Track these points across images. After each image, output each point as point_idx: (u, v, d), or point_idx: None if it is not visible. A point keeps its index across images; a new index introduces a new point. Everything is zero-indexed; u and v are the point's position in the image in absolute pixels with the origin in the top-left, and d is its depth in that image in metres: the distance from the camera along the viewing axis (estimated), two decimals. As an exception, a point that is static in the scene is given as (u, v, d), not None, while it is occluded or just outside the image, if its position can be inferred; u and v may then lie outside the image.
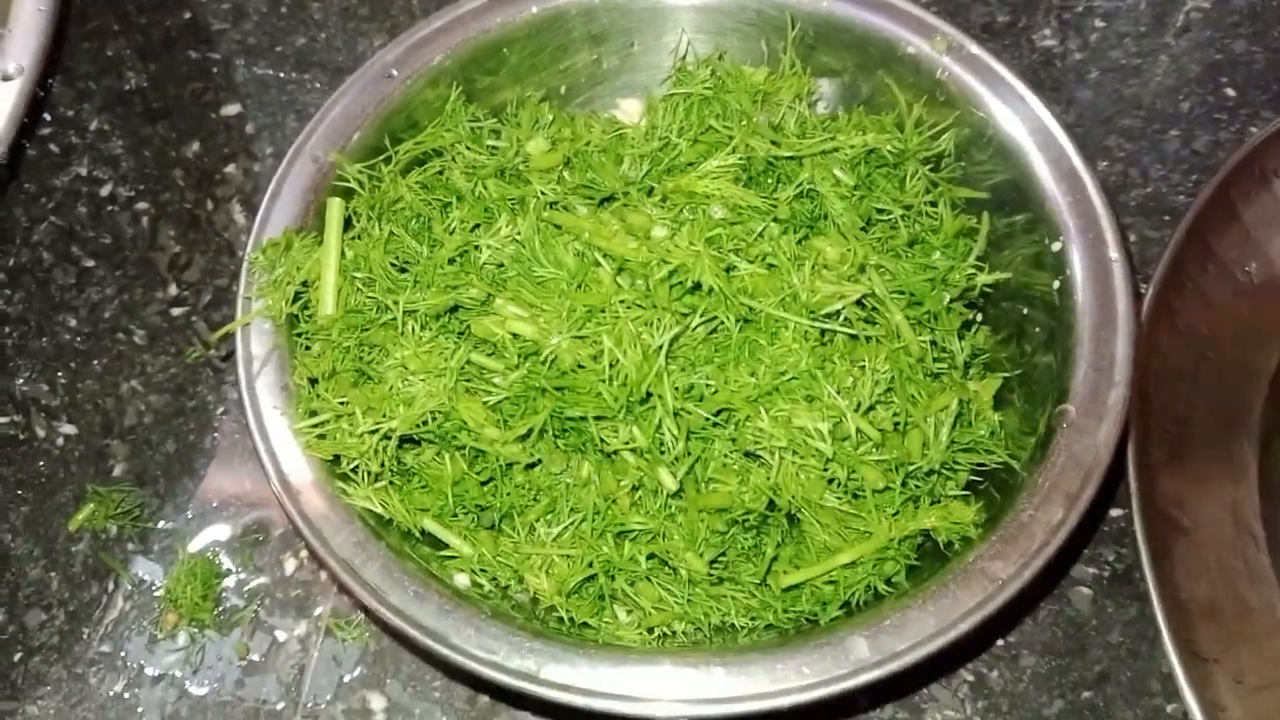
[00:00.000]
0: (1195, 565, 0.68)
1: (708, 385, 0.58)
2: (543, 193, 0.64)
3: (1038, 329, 0.64)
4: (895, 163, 0.67)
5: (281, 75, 0.90)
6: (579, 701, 0.54)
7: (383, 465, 0.59)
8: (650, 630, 0.61)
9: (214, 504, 0.75)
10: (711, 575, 0.60)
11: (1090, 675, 0.69)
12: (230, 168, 0.87)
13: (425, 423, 0.58)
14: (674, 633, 0.61)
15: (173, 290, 0.82)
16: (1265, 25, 0.89)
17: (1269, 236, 0.75)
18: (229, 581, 0.73)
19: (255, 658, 0.70)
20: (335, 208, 0.64)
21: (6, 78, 0.69)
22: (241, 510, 0.75)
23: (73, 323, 0.81)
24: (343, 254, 0.63)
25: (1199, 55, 0.89)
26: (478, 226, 0.63)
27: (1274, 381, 0.74)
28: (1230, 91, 0.87)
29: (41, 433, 0.77)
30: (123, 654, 0.71)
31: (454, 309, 0.61)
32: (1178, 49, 0.89)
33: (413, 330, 0.59)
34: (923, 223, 0.67)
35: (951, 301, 0.63)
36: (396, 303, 0.60)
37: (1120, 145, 0.85)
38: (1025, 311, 0.65)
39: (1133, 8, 0.91)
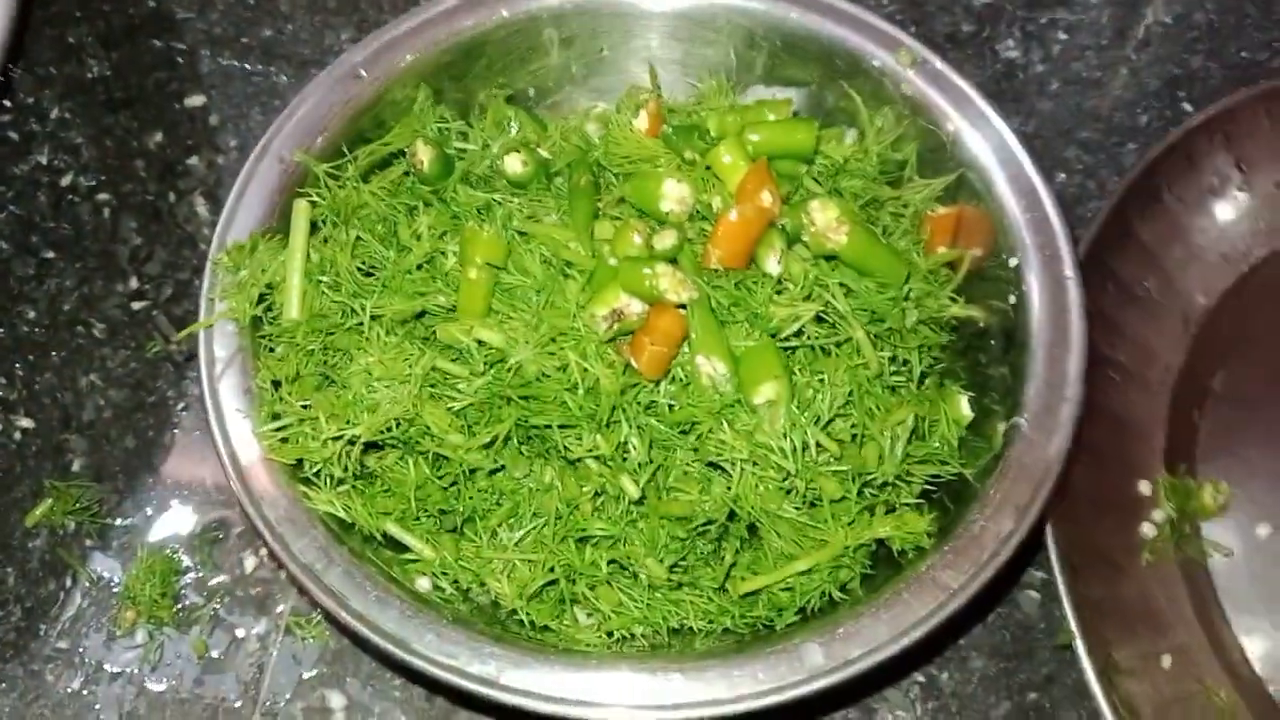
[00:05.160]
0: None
1: (670, 404, 0.59)
2: (512, 201, 0.64)
3: (993, 341, 0.65)
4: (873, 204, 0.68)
5: (247, 66, 0.89)
6: (539, 707, 0.55)
7: (345, 469, 0.59)
8: (609, 634, 0.62)
9: (173, 501, 0.75)
10: (671, 580, 0.61)
11: (1037, 677, 0.71)
12: (193, 159, 0.86)
13: (389, 429, 0.59)
14: (633, 636, 0.62)
15: (133, 283, 0.81)
16: (1222, 42, 0.91)
17: (1165, 250, 0.77)
18: (188, 578, 0.72)
19: (214, 655, 0.70)
20: (301, 211, 0.64)
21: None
22: (201, 507, 0.74)
23: (31, 314, 0.80)
24: (308, 257, 0.63)
25: (1158, 70, 0.90)
26: (445, 234, 0.63)
27: (1174, 398, 0.76)
28: (1187, 106, 0.89)
29: (-1, 426, 0.76)
30: (80, 651, 0.70)
31: (420, 314, 0.61)
32: (1138, 62, 0.91)
33: (378, 335, 0.60)
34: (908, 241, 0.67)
35: (919, 323, 0.63)
36: (363, 307, 0.60)
37: (1079, 157, 0.87)
38: (981, 324, 0.67)
39: (1095, 21, 0.92)
